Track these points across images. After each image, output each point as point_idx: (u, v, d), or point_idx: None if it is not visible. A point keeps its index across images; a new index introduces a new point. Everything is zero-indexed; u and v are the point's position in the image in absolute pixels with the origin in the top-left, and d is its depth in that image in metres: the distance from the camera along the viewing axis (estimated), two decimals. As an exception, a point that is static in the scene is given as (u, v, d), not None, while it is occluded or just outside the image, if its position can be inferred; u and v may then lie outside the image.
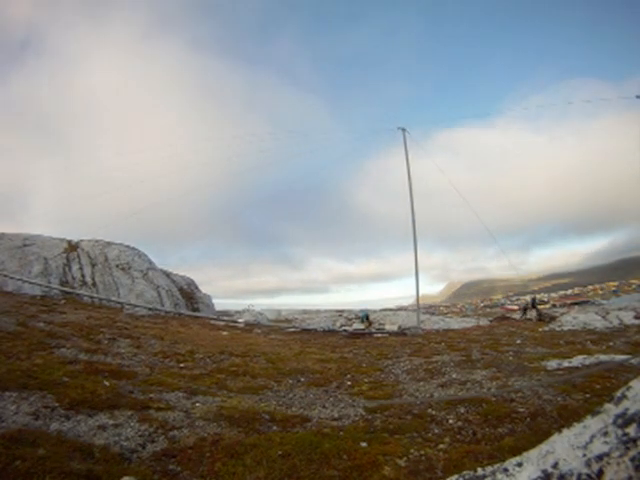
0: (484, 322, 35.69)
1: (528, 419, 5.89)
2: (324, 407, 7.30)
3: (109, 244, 31.31)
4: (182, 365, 9.69)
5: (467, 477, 2.69)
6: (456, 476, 2.78)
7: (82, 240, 31.18)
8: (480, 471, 2.66)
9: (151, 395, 6.90)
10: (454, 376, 9.32)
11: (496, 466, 2.63)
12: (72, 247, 29.97)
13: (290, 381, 9.17)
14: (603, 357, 9.54)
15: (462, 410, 6.60)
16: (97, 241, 31.15)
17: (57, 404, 5.57)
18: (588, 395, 6.74)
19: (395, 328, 25.66)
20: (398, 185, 29.30)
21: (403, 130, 30.48)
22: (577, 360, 9.61)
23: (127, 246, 32.20)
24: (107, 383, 7.03)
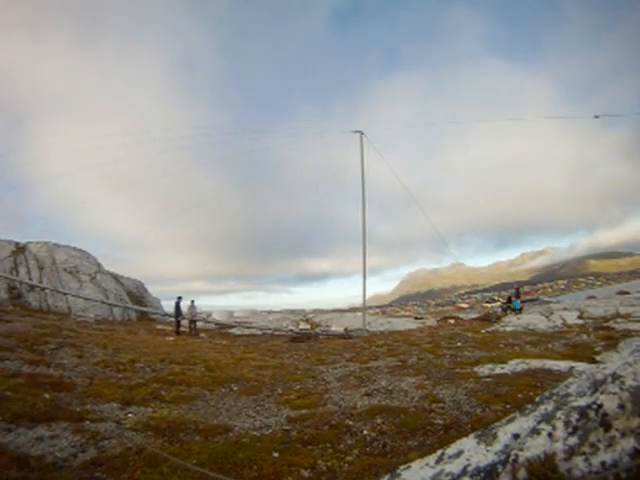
0: (432, 322, 37.01)
1: (441, 432, 6.07)
2: (249, 416, 7.78)
3: (57, 246, 30.91)
4: (121, 375, 10.14)
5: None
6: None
7: (30, 242, 30.70)
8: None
9: (87, 407, 7.47)
10: (383, 384, 9.59)
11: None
12: (20, 249, 29.43)
13: (223, 390, 9.74)
14: (535, 363, 9.89)
15: (379, 421, 6.80)
16: (45, 243, 30.50)
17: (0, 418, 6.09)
18: (509, 406, 6.87)
19: (341, 330, 26.53)
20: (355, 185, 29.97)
21: (361, 133, 30.99)
22: (509, 366, 9.97)
23: (75, 248, 31.89)
24: (47, 396, 7.54)
